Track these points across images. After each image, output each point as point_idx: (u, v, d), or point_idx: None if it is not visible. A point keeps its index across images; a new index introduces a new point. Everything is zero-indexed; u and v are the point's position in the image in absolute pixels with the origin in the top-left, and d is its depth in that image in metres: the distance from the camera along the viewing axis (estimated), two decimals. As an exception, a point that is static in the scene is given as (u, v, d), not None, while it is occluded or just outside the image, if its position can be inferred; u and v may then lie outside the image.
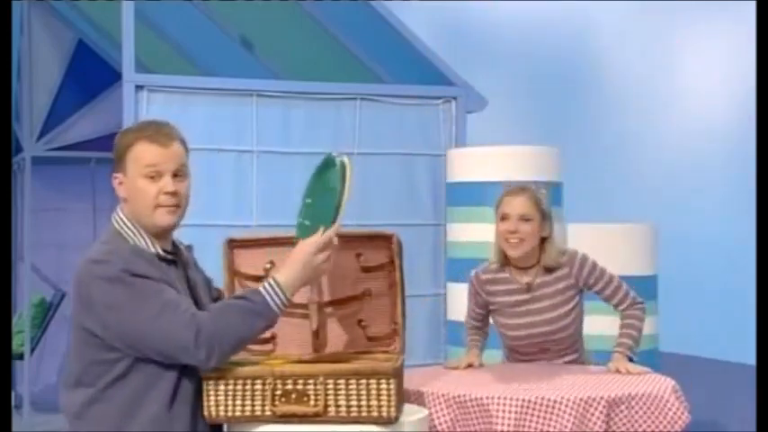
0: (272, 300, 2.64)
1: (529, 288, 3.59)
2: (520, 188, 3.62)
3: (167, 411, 2.65)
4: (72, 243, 7.79)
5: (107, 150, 8.65)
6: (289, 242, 2.87)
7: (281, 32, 6.02)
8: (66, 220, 8.03)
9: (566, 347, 3.62)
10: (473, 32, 7.56)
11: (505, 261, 3.63)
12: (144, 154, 2.68)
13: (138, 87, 4.79)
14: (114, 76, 6.97)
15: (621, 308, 3.59)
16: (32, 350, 7.54)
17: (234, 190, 4.92)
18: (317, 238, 2.70)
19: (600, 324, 3.90)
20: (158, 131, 2.72)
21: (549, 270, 3.60)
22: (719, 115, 5.62)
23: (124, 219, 2.74)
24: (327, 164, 2.80)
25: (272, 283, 2.66)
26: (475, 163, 4.96)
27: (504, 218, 3.56)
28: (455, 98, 5.39)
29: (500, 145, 5.05)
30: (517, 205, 3.55)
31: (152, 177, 2.68)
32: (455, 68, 5.48)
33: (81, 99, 7.91)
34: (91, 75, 7.82)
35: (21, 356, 7.45)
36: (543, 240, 3.58)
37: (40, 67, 7.71)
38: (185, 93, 4.92)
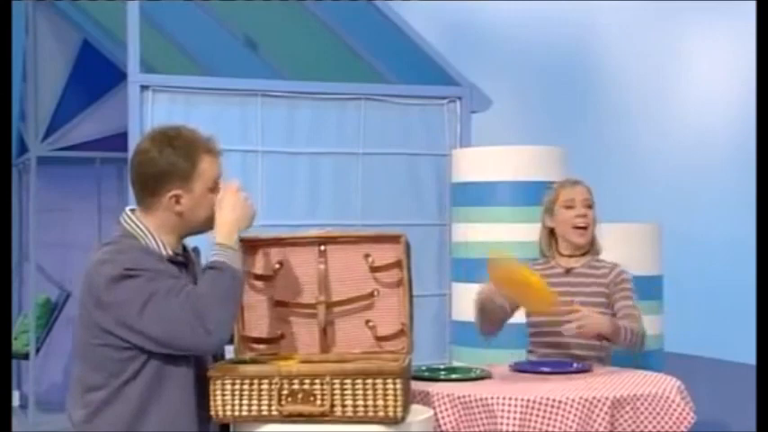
0: (230, 259, 2.68)
1: (568, 272, 3.67)
2: (575, 179, 3.76)
3: (178, 410, 2.66)
4: (77, 243, 7.80)
5: (112, 150, 8.65)
6: (298, 242, 2.91)
7: (286, 32, 6.02)
8: (72, 221, 8.03)
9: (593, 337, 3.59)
10: (478, 32, 7.55)
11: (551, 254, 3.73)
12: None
13: (144, 87, 4.80)
14: (119, 77, 6.98)
15: (620, 314, 3.58)
16: (38, 350, 7.54)
17: (239, 190, 4.92)
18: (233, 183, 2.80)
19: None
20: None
21: (592, 266, 3.67)
22: (723, 114, 5.61)
23: (136, 220, 2.76)
24: None
25: (217, 247, 2.69)
26: (480, 163, 4.96)
27: (569, 206, 3.66)
28: (460, 98, 5.38)
29: (505, 145, 5.06)
30: (580, 191, 3.69)
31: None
32: (460, 68, 5.48)
33: (86, 99, 7.92)
34: (96, 75, 7.83)
35: (26, 356, 7.45)
36: None
37: (46, 68, 7.72)
38: (190, 93, 4.92)
